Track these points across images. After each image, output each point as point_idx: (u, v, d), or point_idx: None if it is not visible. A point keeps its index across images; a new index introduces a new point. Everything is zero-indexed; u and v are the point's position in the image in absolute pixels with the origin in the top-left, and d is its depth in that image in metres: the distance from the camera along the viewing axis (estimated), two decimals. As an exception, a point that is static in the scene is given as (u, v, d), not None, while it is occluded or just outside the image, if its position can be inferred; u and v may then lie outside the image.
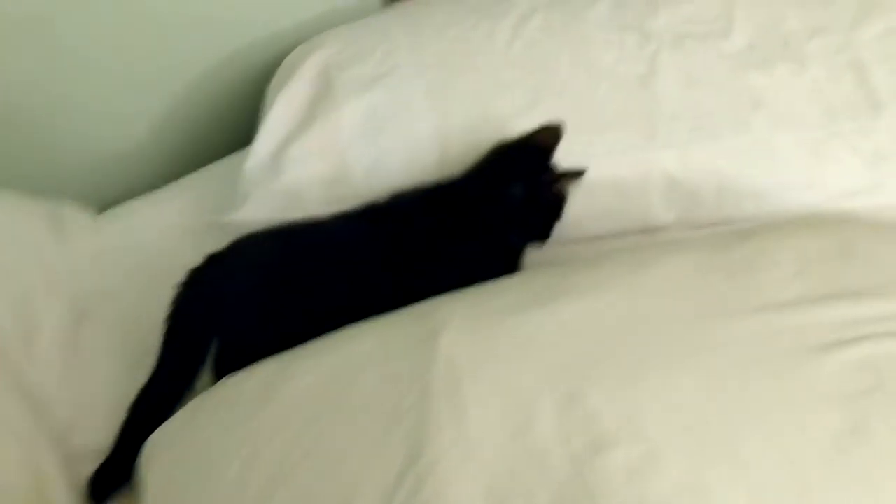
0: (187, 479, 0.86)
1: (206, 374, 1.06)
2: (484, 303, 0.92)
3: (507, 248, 1.15)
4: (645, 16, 1.34)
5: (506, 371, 0.80)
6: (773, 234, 0.96)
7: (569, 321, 0.85)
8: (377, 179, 1.24)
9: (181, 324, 1.07)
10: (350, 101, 1.29)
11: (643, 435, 0.73)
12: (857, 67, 1.27)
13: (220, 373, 1.02)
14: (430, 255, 1.09)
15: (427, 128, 1.26)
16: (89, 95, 1.40)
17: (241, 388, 0.91)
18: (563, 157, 1.18)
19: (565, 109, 1.24)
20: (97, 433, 1.06)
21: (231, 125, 1.55)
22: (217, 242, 1.24)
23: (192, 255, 1.28)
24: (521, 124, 1.21)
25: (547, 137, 1.17)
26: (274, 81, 1.41)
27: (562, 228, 1.20)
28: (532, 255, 1.18)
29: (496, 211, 1.14)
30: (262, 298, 1.06)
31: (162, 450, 0.92)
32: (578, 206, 1.22)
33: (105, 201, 1.47)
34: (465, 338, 0.84)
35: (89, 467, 1.02)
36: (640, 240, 1.27)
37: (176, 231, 1.34)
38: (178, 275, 1.14)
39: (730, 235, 0.98)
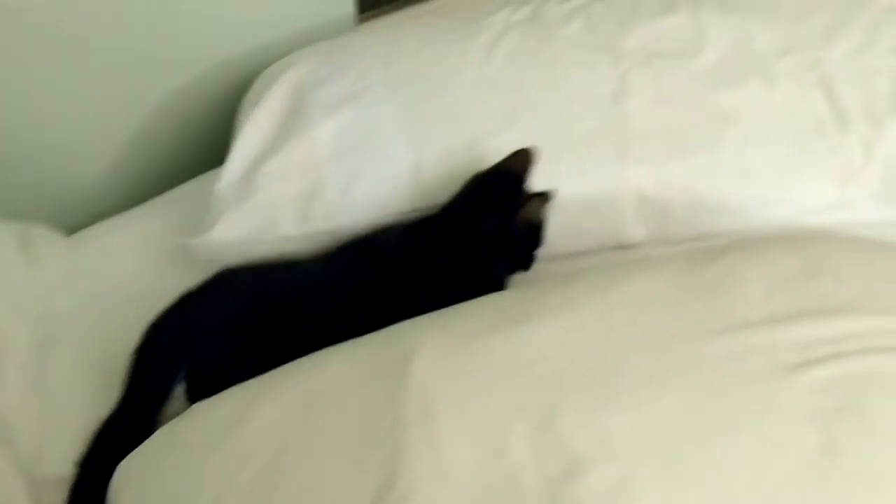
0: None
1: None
2: (456, 325, 0.92)
3: (491, 278, 1.15)
4: (616, 35, 1.35)
5: (479, 395, 0.80)
6: (743, 253, 0.96)
7: (541, 343, 0.85)
8: (351, 199, 1.24)
9: (149, 354, 1.06)
10: (323, 121, 1.28)
11: (617, 457, 0.73)
12: (826, 85, 1.29)
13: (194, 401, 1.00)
14: (411, 291, 1.09)
15: (401, 148, 1.26)
16: (58, 115, 1.39)
17: (210, 417, 0.89)
18: (537, 177, 1.18)
19: (538, 129, 1.25)
20: (64, 461, 1.03)
21: (203, 144, 1.54)
22: (188, 264, 1.24)
23: (163, 278, 1.27)
24: (494, 144, 1.22)
25: (520, 162, 1.17)
26: (246, 100, 1.40)
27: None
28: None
29: (475, 243, 1.14)
30: (237, 333, 1.06)
31: (131, 480, 0.90)
32: (551, 224, 1.23)
33: (75, 223, 1.45)
34: (438, 362, 0.84)
35: (56, 496, 1.00)
36: (612, 257, 1.27)
37: (147, 253, 1.33)
38: (149, 298, 1.13)
39: (701, 254, 0.98)
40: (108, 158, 1.49)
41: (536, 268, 1.20)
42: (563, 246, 1.26)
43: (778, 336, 0.82)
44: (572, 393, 0.79)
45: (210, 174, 1.43)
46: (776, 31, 1.35)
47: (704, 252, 0.99)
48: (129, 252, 1.35)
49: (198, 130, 1.54)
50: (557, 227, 1.23)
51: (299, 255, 1.18)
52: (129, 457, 0.92)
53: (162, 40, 1.40)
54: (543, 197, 1.14)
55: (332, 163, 1.26)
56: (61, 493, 1.00)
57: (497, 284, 1.14)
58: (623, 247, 1.28)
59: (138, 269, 1.31)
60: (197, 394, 1.00)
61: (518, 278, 1.18)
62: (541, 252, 1.21)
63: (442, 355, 0.85)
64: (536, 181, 1.18)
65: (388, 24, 1.67)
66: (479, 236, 1.14)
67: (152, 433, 0.96)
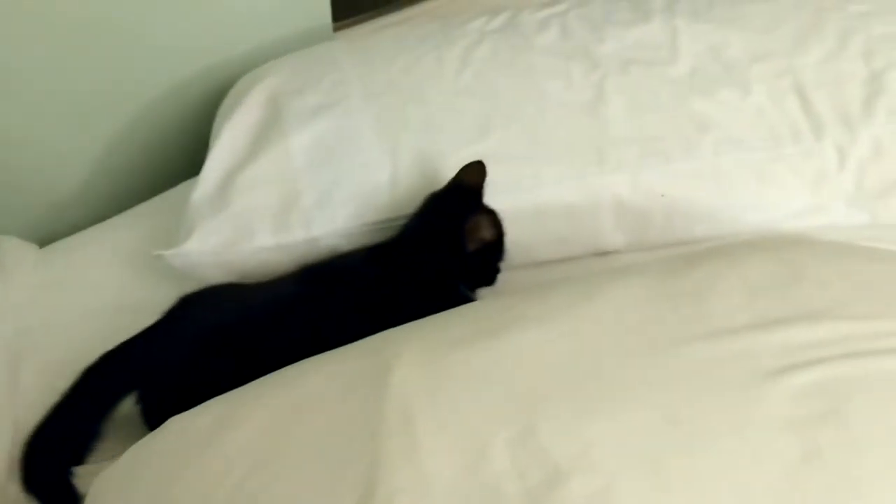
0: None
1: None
2: (435, 335, 0.91)
3: (454, 295, 1.14)
4: (591, 43, 1.36)
5: (458, 405, 0.79)
6: (721, 260, 0.96)
7: (520, 352, 0.84)
8: (328, 208, 1.23)
9: (94, 375, 1.07)
10: (299, 130, 1.28)
11: (598, 467, 0.72)
12: (799, 91, 1.30)
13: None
14: (375, 314, 1.07)
15: (377, 157, 1.25)
16: (31, 126, 1.37)
17: (188, 429, 0.88)
18: (513, 186, 1.19)
19: (515, 137, 1.26)
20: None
21: (178, 155, 1.53)
22: (163, 276, 1.23)
23: (137, 289, 1.27)
24: (471, 152, 1.22)
25: (472, 176, 1.17)
26: (221, 110, 1.39)
27: (512, 255, 1.20)
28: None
29: (431, 263, 1.14)
30: (195, 361, 1.06)
31: (108, 494, 0.89)
32: (529, 232, 1.23)
33: (48, 234, 1.44)
34: (417, 372, 0.83)
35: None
36: (592, 264, 1.28)
37: (120, 265, 1.32)
38: (122, 310, 1.12)
39: (679, 261, 0.98)
40: (81, 170, 1.48)
41: (515, 276, 1.20)
42: (541, 254, 1.27)
43: (757, 343, 0.82)
44: (552, 402, 0.78)
45: (185, 185, 1.43)
46: (749, 39, 1.36)
47: (682, 259, 0.99)
48: (103, 264, 1.34)
49: (173, 141, 1.53)
50: (534, 235, 1.24)
51: (262, 278, 1.18)
52: (105, 471, 0.91)
53: (136, 51, 1.39)
54: (490, 213, 1.15)
55: (309, 172, 1.25)
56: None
57: (462, 300, 1.13)
58: (602, 254, 1.29)
59: (112, 281, 1.30)
60: (152, 419, 1.02)
61: (497, 287, 1.18)
62: (517, 259, 1.22)
63: (421, 366, 0.84)
64: (515, 189, 1.18)
65: (364, 34, 1.67)
66: (434, 256, 1.14)
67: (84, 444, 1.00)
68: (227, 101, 1.40)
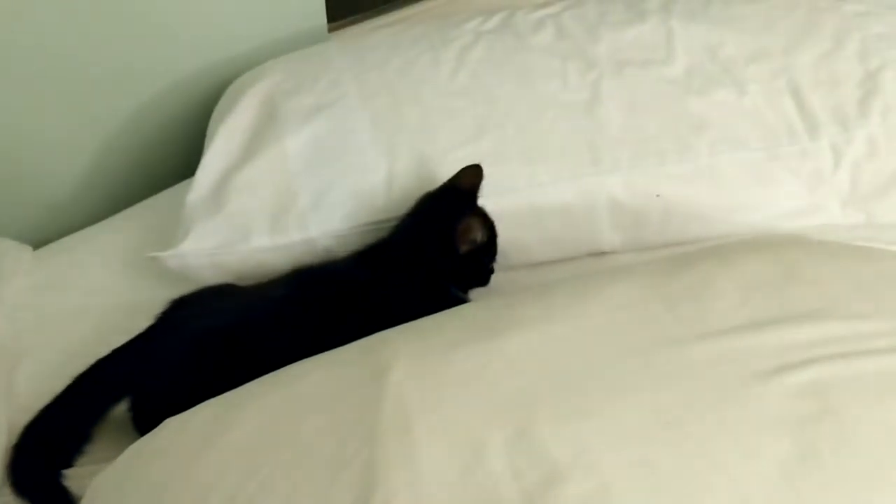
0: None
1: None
2: (431, 337, 0.91)
3: (447, 296, 1.15)
4: (586, 43, 1.36)
5: (455, 407, 0.79)
6: (716, 260, 0.96)
7: (517, 354, 0.84)
8: (324, 209, 1.23)
9: (86, 379, 1.07)
10: (294, 131, 1.28)
11: (595, 468, 0.72)
12: (795, 91, 1.30)
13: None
14: (367, 316, 1.06)
15: (372, 158, 1.25)
16: (26, 127, 1.37)
17: (184, 430, 0.88)
18: (509, 186, 1.19)
19: (510, 137, 1.26)
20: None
21: (172, 157, 1.52)
22: (157, 277, 1.22)
23: (132, 291, 1.26)
24: (467, 153, 1.22)
25: (469, 178, 1.17)
26: (216, 111, 1.39)
27: (509, 255, 1.20)
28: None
29: (423, 264, 1.14)
30: (186, 365, 1.05)
31: (104, 496, 0.89)
32: (525, 232, 1.23)
33: (42, 236, 1.43)
34: (414, 375, 0.83)
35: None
36: (588, 264, 1.28)
37: (115, 266, 1.32)
38: (117, 311, 1.12)
39: (674, 261, 0.99)
40: (76, 171, 1.47)
41: (512, 277, 1.20)
42: (537, 254, 1.27)
43: (752, 343, 0.82)
44: (548, 403, 0.79)
45: (180, 186, 1.42)
46: (744, 39, 1.36)
47: (678, 259, 1.00)
48: (98, 265, 1.34)
49: (168, 143, 1.53)
50: (531, 236, 1.25)
51: (258, 279, 1.18)
52: (102, 473, 0.91)
53: (132, 52, 1.39)
54: (481, 214, 1.15)
55: (305, 173, 1.25)
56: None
57: (455, 301, 1.13)
58: (598, 254, 1.29)
59: (107, 283, 1.30)
60: (142, 425, 1.02)
61: (494, 288, 1.18)
62: (513, 259, 1.22)
63: (418, 367, 0.84)
64: (511, 190, 1.18)
65: (359, 34, 1.67)
66: (424, 257, 1.14)
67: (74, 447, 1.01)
68: (222, 102, 1.40)
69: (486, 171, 1.18)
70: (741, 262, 0.95)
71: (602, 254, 1.29)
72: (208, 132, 1.35)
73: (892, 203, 1.28)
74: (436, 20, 1.48)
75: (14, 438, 1.06)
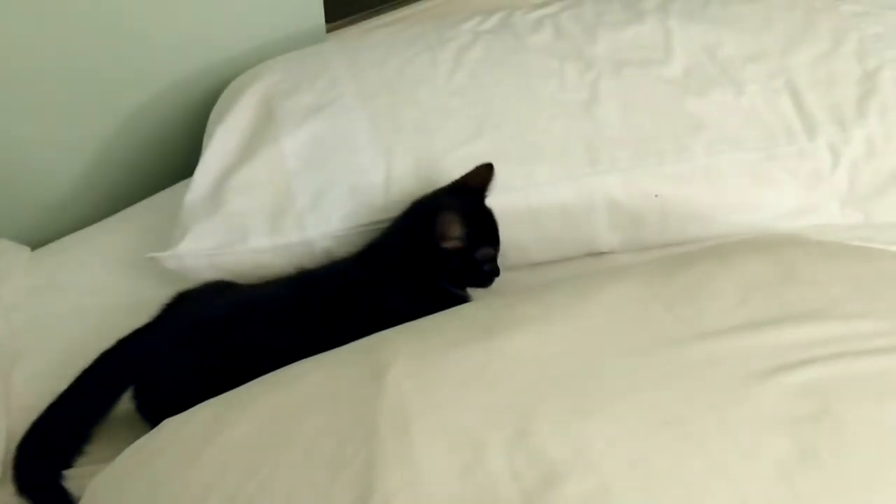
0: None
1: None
2: (430, 337, 0.91)
3: (440, 293, 1.15)
4: (584, 43, 1.36)
5: (454, 408, 0.79)
6: (715, 260, 0.96)
7: (515, 354, 0.84)
8: (322, 210, 1.23)
9: (91, 373, 1.07)
10: (292, 131, 1.27)
11: (594, 468, 0.72)
12: (792, 91, 1.30)
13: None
14: (367, 315, 1.07)
15: (370, 157, 1.25)
16: (24, 127, 1.36)
17: (183, 430, 0.88)
18: (507, 186, 1.19)
19: (508, 137, 1.26)
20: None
21: (170, 157, 1.52)
22: (155, 277, 1.22)
23: (130, 291, 1.26)
24: (465, 153, 1.22)
25: (476, 178, 1.17)
26: (214, 111, 1.39)
27: (507, 255, 1.20)
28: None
29: (415, 262, 1.14)
30: (187, 359, 1.06)
31: (103, 496, 0.89)
32: (524, 233, 1.23)
33: (40, 237, 1.43)
34: (413, 375, 0.83)
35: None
36: (586, 264, 1.28)
37: (113, 266, 1.32)
38: (115, 311, 1.12)
39: (673, 261, 0.99)
40: (75, 171, 1.47)
41: (510, 277, 1.20)
42: (536, 254, 1.27)
43: (751, 343, 0.83)
44: (547, 403, 0.79)
45: (178, 186, 1.43)
46: (743, 39, 1.36)
47: (677, 259, 1.00)
48: (96, 265, 1.33)
49: (165, 143, 1.53)
50: (529, 236, 1.25)
51: (256, 280, 1.19)
52: (100, 473, 0.91)
53: (130, 52, 1.38)
54: (458, 209, 1.13)
55: (303, 173, 1.25)
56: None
57: (451, 298, 1.13)
58: (596, 254, 1.29)
59: (105, 283, 1.30)
60: (149, 415, 1.04)
61: (492, 288, 1.18)
62: (512, 260, 1.22)
63: (417, 366, 0.84)
64: (509, 190, 1.18)
65: (357, 34, 1.67)
66: (414, 255, 1.14)
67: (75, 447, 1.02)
68: (220, 103, 1.40)
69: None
70: (740, 262, 0.95)
71: (601, 254, 1.29)
72: (206, 132, 1.35)
73: (890, 203, 1.28)
74: (434, 20, 1.48)
75: (12, 439, 1.06)
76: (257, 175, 1.25)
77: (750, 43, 1.35)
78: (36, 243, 1.42)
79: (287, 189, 1.24)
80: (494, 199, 1.19)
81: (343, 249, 1.22)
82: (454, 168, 1.19)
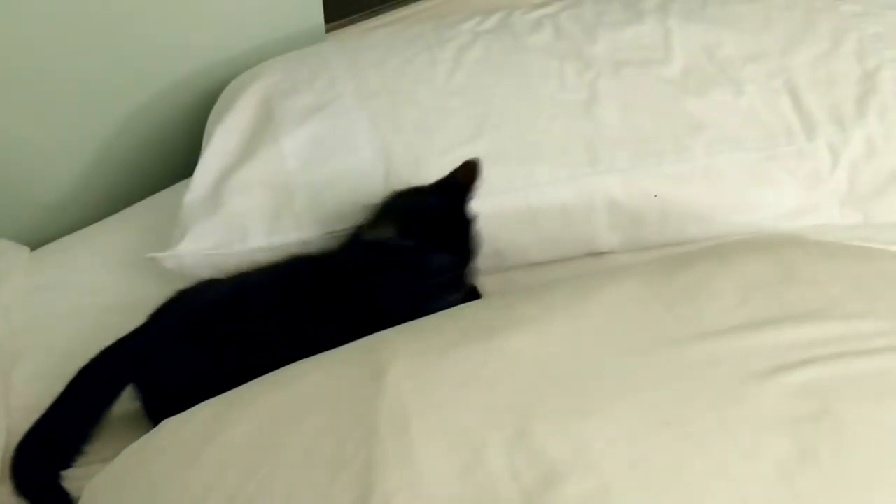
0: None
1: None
2: (429, 336, 0.91)
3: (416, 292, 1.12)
4: (584, 43, 1.36)
5: (453, 408, 0.79)
6: (715, 260, 0.96)
7: (515, 354, 0.84)
8: (321, 210, 1.23)
9: (90, 371, 1.07)
10: (292, 131, 1.27)
11: (594, 468, 0.72)
12: (792, 91, 1.30)
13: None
14: (361, 304, 1.08)
15: (370, 157, 1.25)
16: (24, 128, 1.36)
17: (183, 431, 0.88)
18: (506, 186, 1.18)
19: (508, 137, 1.26)
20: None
21: (169, 157, 1.52)
22: (154, 277, 1.22)
23: (129, 291, 1.26)
24: (463, 153, 1.21)
25: (464, 174, 1.15)
26: (214, 111, 1.39)
27: (507, 255, 1.20)
28: (480, 282, 1.18)
29: (394, 256, 1.11)
30: (187, 351, 1.07)
31: (102, 497, 0.89)
32: (523, 233, 1.23)
33: (39, 237, 1.43)
34: (413, 375, 0.83)
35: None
36: (586, 264, 1.28)
37: (113, 266, 1.32)
38: (114, 311, 1.12)
39: (672, 262, 0.99)
40: (74, 171, 1.47)
41: (510, 277, 1.20)
42: (535, 254, 1.27)
43: (751, 343, 0.82)
44: (546, 403, 0.79)
45: (178, 186, 1.43)
46: (742, 39, 1.36)
47: (676, 259, 1.00)
48: (96, 266, 1.33)
49: (165, 143, 1.53)
50: (529, 236, 1.24)
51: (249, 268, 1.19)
52: (99, 474, 0.91)
53: (129, 52, 1.38)
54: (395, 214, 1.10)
55: (302, 173, 1.25)
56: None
57: (431, 299, 1.08)
58: (596, 254, 1.29)
59: (104, 283, 1.30)
60: (154, 411, 1.04)
61: (492, 288, 1.17)
62: (511, 260, 1.21)
63: (416, 367, 0.84)
64: (508, 190, 1.18)
65: (356, 34, 1.67)
66: (393, 248, 1.08)
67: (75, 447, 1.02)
68: (219, 103, 1.40)
69: (483, 172, 1.17)
70: (740, 262, 0.95)
71: (601, 254, 1.29)
72: (206, 132, 1.35)
73: (889, 203, 1.28)
74: (433, 20, 1.48)
75: (12, 439, 1.06)
76: (257, 175, 1.25)
77: (750, 43, 1.35)
78: (36, 243, 1.41)
79: (286, 189, 1.24)
80: (494, 200, 1.18)
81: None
82: (454, 167, 1.19)
